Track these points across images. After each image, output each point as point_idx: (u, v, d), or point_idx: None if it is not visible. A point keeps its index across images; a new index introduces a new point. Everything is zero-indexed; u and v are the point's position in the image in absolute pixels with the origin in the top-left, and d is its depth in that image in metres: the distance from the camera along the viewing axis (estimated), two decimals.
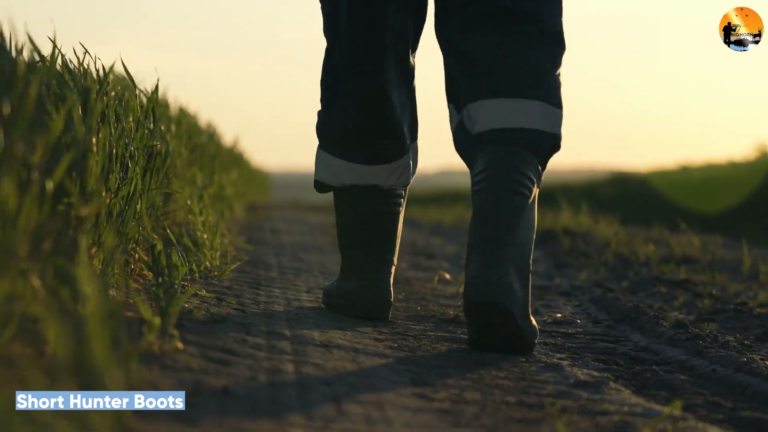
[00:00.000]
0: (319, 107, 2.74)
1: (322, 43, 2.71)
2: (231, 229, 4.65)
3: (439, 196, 20.81)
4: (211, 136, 5.96)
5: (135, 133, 2.78)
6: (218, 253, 3.36)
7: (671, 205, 11.93)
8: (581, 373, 2.15)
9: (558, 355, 2.40)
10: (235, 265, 3.10)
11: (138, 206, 2.81)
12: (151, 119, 3.09)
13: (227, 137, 8.95)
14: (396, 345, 2.31)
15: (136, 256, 2.66)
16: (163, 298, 2.01)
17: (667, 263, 4.45)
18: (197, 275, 2.91)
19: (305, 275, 3.51)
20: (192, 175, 4.25)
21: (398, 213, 2.72)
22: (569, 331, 2.74)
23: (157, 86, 3.03)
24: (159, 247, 2.16)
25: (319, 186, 2.77)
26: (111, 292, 2.23)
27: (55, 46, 2.30)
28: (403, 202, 2.76)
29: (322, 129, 2.73)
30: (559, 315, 3.01)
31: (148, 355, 1.70)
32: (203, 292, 2.59)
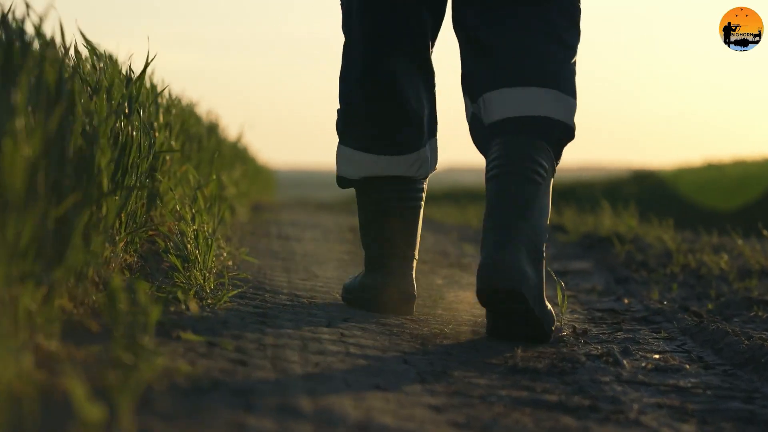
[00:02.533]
0: (337, 106, 2.75)
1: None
2: (232, 237, 3.95)
3: (452, 192, 20.17)
4: (211, 128, 5.25)
5: (101, 116, 2.08)
6: (214, 272, 2.67)
7: (701, 204, 11.22)
8: None
9: (685, 427, 1.70)
10: (234, 293, 2.40)
11: (104, 213, 2.11)
12: (126, 101, 2.40)
13: (232, 132, 8.26)
14: (463, 418, 1.61)
15: (98, 285, 1.96)
16: (119, 365, 1.32)
17: (749, 278, 3.75)
18: (184, 306, 2.21)
19: (322, 298, 2.81)
20: (184, 173, 3.55)
21: (419, 208, 2.73)
22: (681, 384, 2.04)
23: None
24: (116, 282, 1.46)
25: (342, 181, 2.78)
26: (52, 345, 1.54)
27: None
28: (423, 196, 2.75)
29: (342, 124, 2.75)
30: (657, 356, 2.31)
31: None
32: (189, 335, 1.89)
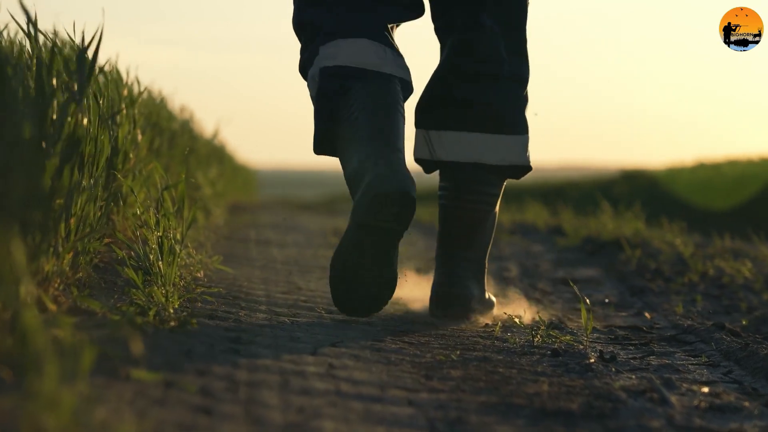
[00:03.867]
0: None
1: None
2: (205, 243, 3.56)
3: (433, 191, 19.77)
4: (184, 124, 4.86)
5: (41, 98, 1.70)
6: (181, 286, 2.31)
7: (697, 204, 10.87)
8: None
9: None
10: (198, 317, 2.02)
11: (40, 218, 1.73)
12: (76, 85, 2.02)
13: (209, 129, 7.83)
14: None
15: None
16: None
17: None
18: (140, 331, 1.83)
19: (306, 316, 2.43)
20: (152, 172, 3.16)
21: (401, 103, 2.50)
22: (747, 428, 1.67)
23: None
24: (29, 317, 1.09)
25: (325, 78, 2.49)
26: None
27: None
28: (403, 101, 2.54)
29: (312, 27, 2.57)
30: (706, 389, 1.94)
31: None
32: (142, 373, 1.51)
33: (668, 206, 10.48)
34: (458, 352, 2.12)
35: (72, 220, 2.10)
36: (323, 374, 1.77)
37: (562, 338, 2.33)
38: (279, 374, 1.73)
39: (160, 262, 2.24)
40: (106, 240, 2.46)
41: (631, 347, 2.41)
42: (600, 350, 2.26)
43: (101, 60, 3.14)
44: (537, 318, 2.62)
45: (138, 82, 3.30)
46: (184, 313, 2.02)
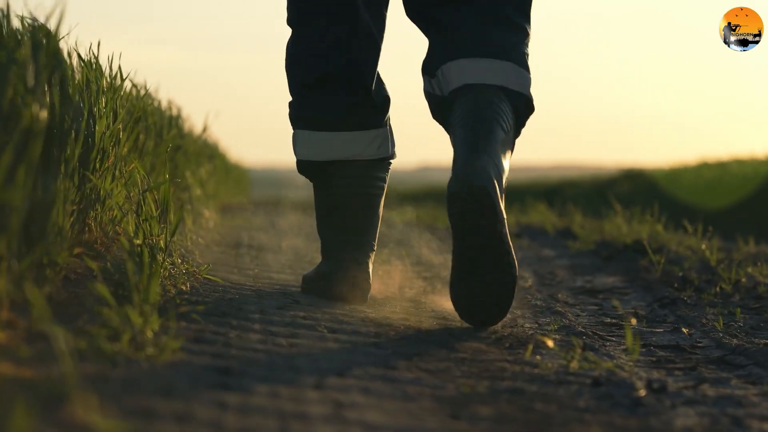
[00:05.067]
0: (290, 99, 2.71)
1: None
2: (193, 250, 3.25)
3: (429, 192, 19.64)
4: (172, 119, 4.55)
5: None
6: (162, 301, 2.01)
7: (703, 204, 10.57)
8: None
9: None
10: (182, 342, 1.71)
11: None
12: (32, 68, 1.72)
13: (200, 126, 7.52)
14: None
15: None
16: None
17: None
18: (111, 363, 1.53)
19: (306, 336, 2.12)
20: (134, 173, 2.85)
21: (380, 195, 2.69)
22: None
23: None
24: None
25: (302, 166, 2.71)
26: None
27: None
28: (384, 186, 2.71)
29: (297, 110, 2.68)
30: None
31: None
32: (107, 424, 1.20)
33: (671, 206, 10.20)
34: (486, 384, 1.81)
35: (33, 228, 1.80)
36: (329, 416, 1.47)
37: (602, 364, 2.02)
38: (276, 417, 1.42)
39: (138, 275, 1.93)
40: (77, 250, 2.15)
41: (677, 372, 2.11)
42: (649, 379, 1.95)
43: (81, 52, 2.83)
44: (567, 335, 2.32)
45: (114, 70, 2.98)
46: (165, 337, 1.72)
